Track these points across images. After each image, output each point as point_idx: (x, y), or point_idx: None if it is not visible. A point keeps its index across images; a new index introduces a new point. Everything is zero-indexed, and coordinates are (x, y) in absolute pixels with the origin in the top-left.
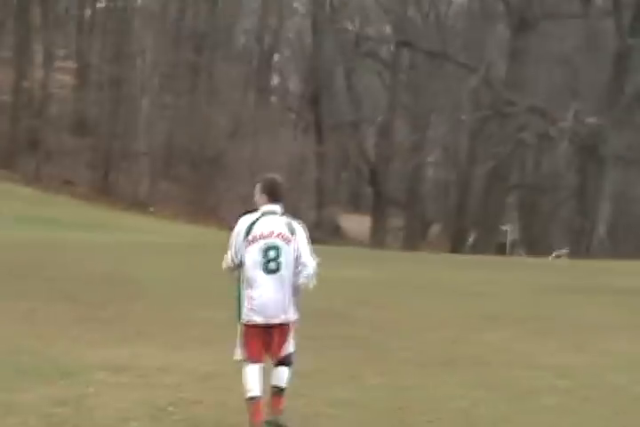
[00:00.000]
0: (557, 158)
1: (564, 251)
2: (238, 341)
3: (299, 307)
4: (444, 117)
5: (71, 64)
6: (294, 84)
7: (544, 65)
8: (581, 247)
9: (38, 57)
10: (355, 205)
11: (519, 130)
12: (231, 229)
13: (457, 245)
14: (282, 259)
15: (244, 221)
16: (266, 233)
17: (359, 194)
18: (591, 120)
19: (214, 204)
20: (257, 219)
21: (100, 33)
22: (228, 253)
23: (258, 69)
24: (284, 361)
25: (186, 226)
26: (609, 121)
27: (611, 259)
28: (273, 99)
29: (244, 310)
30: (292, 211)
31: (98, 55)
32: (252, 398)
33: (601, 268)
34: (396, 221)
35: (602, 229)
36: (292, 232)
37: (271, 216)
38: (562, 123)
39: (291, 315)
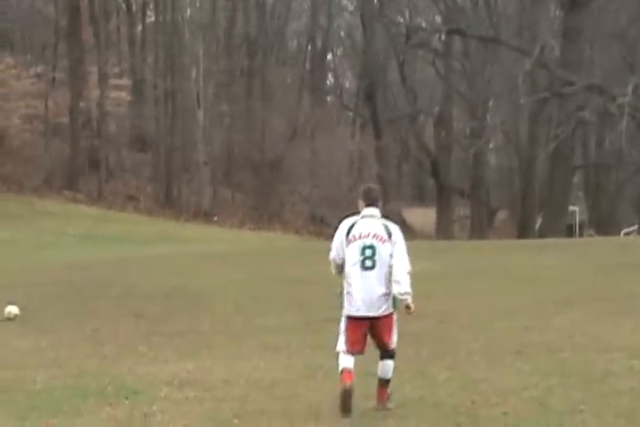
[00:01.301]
0: (619, 135)
1: (634, 228)
2: (340, 332)
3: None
4: (502, 102)
5: (126, 81)
6: (349, 82)
7: (599, 42)
8: None
9: (93, 77)
10: (419, 198)
11: (579, 109)
12: (298, 232)
13: (525, 231)
14: (377, 257)
15: (345, 224)
16: (364, 234)
17: (422, 186)
18: None
19: (277, 208)
20: (356, 221)
21: (152, 47)
22: (331, 254)
23: (311, 70)
24: (389, 354)
25: (251, 232)
26: None
27: None
28: (328, 98)
29: (345, 304)
30: (356, 208)
31: (151, 70)
32: (343, 370)
33: None
34: (462, 210)
35: None
36: (389, 234)
37: (369, 219)
38: (621, 98)
39: (386, 308)
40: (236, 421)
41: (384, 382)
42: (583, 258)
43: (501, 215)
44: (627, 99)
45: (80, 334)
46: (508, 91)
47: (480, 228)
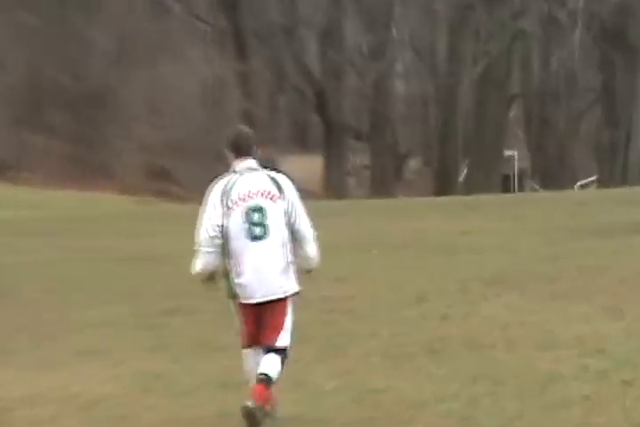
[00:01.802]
0: (571, 51)
1: (592, 179)
2: (237, 319)
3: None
4: (411, 9)
5: None
6: None
7: None
8: (614, 171)
9: None
10: (299, 143)
11: (515, 17)
12: (132, 191)
13: (445, 184)
14: (269, 221)
15: (218, 187)
16: (246, 194)
17: (304, 125)
18: None
19: (104, 158)
20: (232, 180)
21: None
22: (199, 237)
23: None
24: (276, 349)
25: (66, 193)
26: None
27: None
28: (174, 6)
29: (235, 287)
30: (214, 155)
31: None
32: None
33: None
34: (359, 158)
35: None
36: (279, 188)
37: (248, 174)
38: (573, 1)
39: (288, 287)
40: None
41: (264, 381)
42: (522, 221)
43: (413, 164)
44: (580, 2)
45: None
46: None
47: (384, 182)
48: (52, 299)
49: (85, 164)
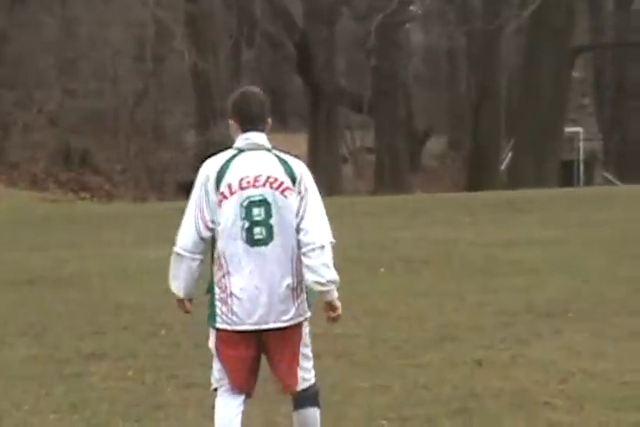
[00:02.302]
0: None
1: None
2: (217, 359)
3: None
4: None
5: None
6: None
7: None
8: None
9: None
10: (275, 115)
11: None
12: (37, 183)
13: (480, 175)
14: (274, 220)
15: (211, 168)
16: (248, 179)
17: (281, 91)
18: None
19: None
20: (230, 159)
21: None
22: (180, 241)
23: None
24: (306, 396)
25: None
26: None
27: None
28: None
29: (218, 310)
30: (158, 134)
31: None
32: None
33: None
34: (359, 137)
35: None
36: (292, 176)
37: (253, 153)
38: None
39: (296, 312)
40: None
41: None
42: (592, 227)
43: (435, 146)
44: None
45: None
46: None
47: (394, 171)
48: None
49: None
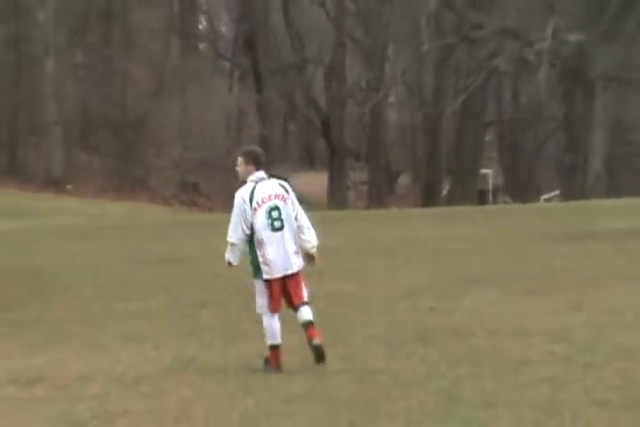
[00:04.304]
0: (538, 86)
1: (555, 193)
2: (258, 295)
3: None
4: (403, 49)
5: None
6: (225, 27)
7: None
8: (574, 187)
9: None
10: (308, 162)
11: (491, 57)
12: (166, 202)
13: (430, 197)
14: (283, 216)
15: (244, 193)
16: (266, 197)
17: (311, 148)
18: (574, 37)
19: (142, 174)
20: (254, 187)
21: None
22: (232, 237)
23: (181, 12)
24: (306, 303)
25: (111, 203)
26: (595, 37)
27: (608, 198)
28: (201, 46)
29: (262, 268)
30: (235, 171)
31: None
32: (275, 347)
33: (597, 209)
34: (358, 175)
35: (596, 164)
36: (287, 192)
37: (265, 182)
38: (539, 44)
39: (299, 263)
40: (94, 422)
41: (310, 324)
42: (497, 228)
43: (404, 180)
44: (546, 44)
45: None
46: (410, 36)
47: (379, 195)
48: (100, 294)
49: (127, 179)
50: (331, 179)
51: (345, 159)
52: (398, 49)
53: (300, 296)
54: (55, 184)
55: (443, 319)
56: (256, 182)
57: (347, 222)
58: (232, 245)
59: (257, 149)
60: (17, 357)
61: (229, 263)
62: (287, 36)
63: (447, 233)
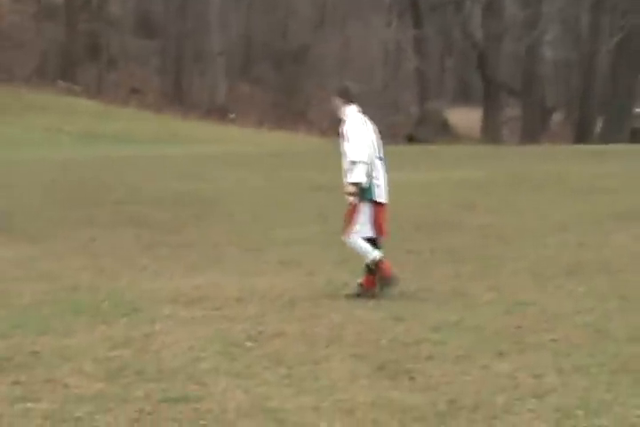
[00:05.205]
0: None
1: None
2: (361, 218)
3: None
4: None
5: None
6: None
7: None
8: None
9: None
10: (463, 97)
11: None
12: (324, 133)
13: (583, 135)
14: (380, 149)
15: (360, 118)
16: (370, 128)
17: (468, 83)
18: None
19: (302, 106)
20: (363, 116)
21: None
22: (363, 156)
23: None
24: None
25: (271, 133)
26: None
27: None
28: None
29: (374, 190)
30: (392, 106)
31: None
32: (381, 260)
33: None
34: (512, 111)
35: None
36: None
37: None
38: None
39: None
40: (248, 343)
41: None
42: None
43: (557, 117)
44: None
45: (74, 244)
46: None
47: (532, 131)
48: (257, 219)
49: (286, 110)
50: (485, 114)
51: (500, 95)
52: None
53: (386, 231)
54: (218, 113)
55: (592, 255)
56: (358, 113)
57: (500, 157)
58: (364, 164)
59: (354, 85)
60: (177, 277)
61: (361, 189)
62: None
63: (598, 170)
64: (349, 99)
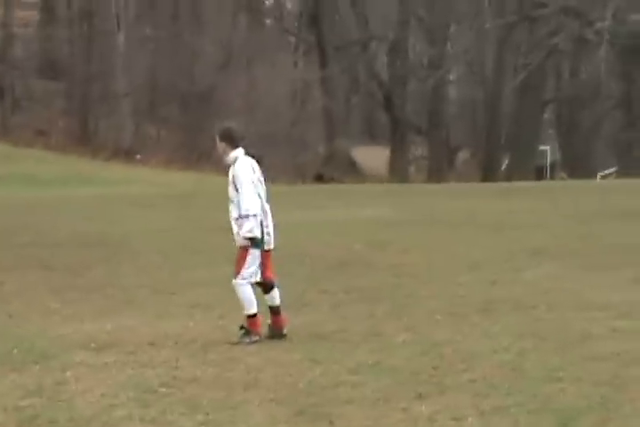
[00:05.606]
0: (597, 65)
1: (612, 170)
2: (251, 264)
3: None
4: (465, 28)
5: None
6: (290, 2)
7: None
8: (631, 164)
9: None
10: (370, 136)
11: (551, 35)
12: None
13: (489, 172)
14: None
15: (249, 166)
16: (257, 171)
17: (374, 122)
18: (634, 17)
19: (208, 146)
20: (251, 161)
21: None
22: (252, 207)
23: None
24: (273, 284)
25: (178, 173)
26: None
27: None
28: (267, 21)
29: (265, 238)
30: (300, 145)
31: None
32: (255, 315)
33: None
34: (419, 149)
35: None
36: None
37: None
38: (599, 23)
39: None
40: (163, 389)
41: (278, 309)
42: (555, 204)
43: (463, 155)
44: (606, 24)
45: None
46: (472, 14)
47: (439, 169)
48: (166, 261)
49: (193, 150)
50: (393, 153)
51: (406, 134)
52: (460, 27)
53: (273, 275)
54: (125, 154)
55: (505, 292)
56: (246, 157)
57: (408, 195)
58: (255, 216)
59: (240, 126)
60: (88, 322)
61: (254, 240)
62: (352, 13)
63: (506, 207)
64: (234, 142)
